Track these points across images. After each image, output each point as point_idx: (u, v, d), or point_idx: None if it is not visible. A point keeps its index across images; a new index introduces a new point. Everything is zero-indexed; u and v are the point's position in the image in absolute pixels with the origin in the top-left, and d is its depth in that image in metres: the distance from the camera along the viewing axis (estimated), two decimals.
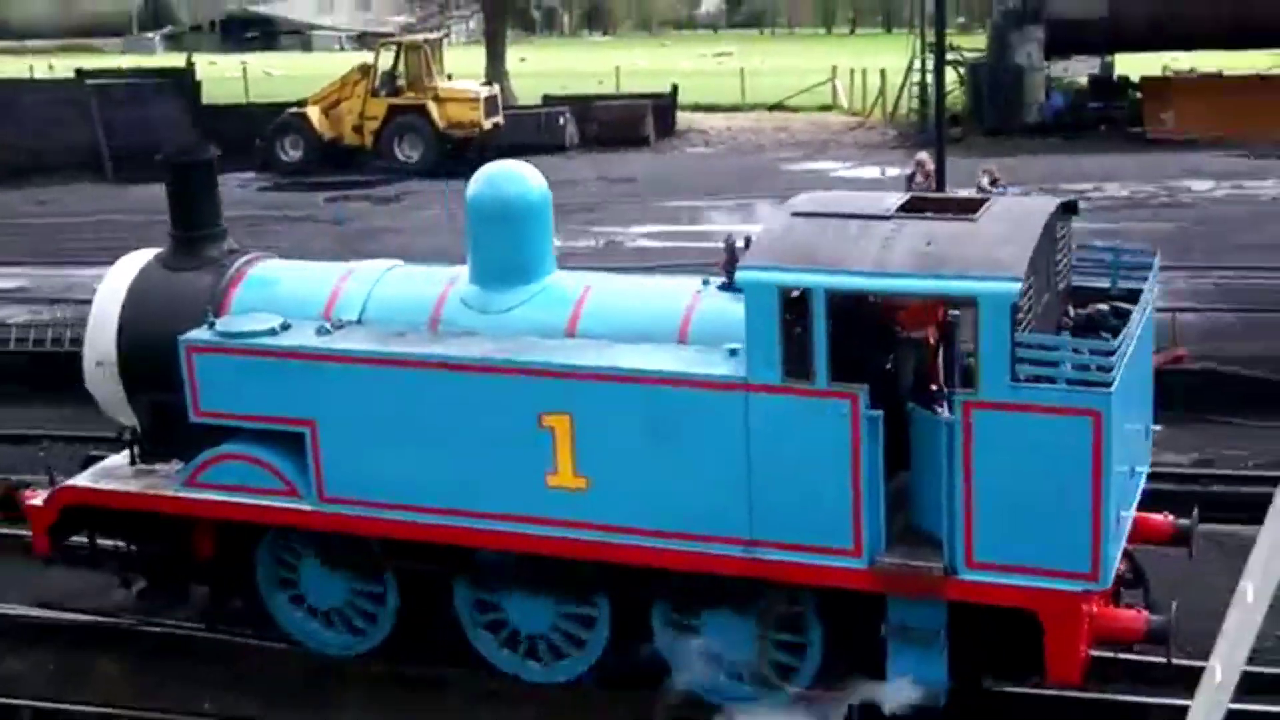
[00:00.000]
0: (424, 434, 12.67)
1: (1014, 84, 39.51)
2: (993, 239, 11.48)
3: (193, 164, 14.45)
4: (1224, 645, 7.60)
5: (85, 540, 14.31)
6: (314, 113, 40.78)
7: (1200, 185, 30.54)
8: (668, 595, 12.57)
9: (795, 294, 11.42)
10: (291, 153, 40.87)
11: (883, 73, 47.77)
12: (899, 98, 45.35)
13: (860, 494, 11.45)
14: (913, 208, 12.05)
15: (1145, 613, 11.88)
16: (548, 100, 47.04)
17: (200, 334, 13.08)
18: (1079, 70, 42.82)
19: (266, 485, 13.23)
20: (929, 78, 30.11)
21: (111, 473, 14.03)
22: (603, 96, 48.43)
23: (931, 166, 22.03)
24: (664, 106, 46.56)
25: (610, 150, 41.69)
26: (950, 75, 34.50)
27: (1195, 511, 12.62)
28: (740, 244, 12.53)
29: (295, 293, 13.79)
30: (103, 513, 13.81)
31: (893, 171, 30.33)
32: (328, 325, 13.07)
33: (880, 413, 11.28)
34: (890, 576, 11.49)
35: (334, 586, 13.72)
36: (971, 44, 46.75)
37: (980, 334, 11.03)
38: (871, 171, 35.72)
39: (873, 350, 11.83)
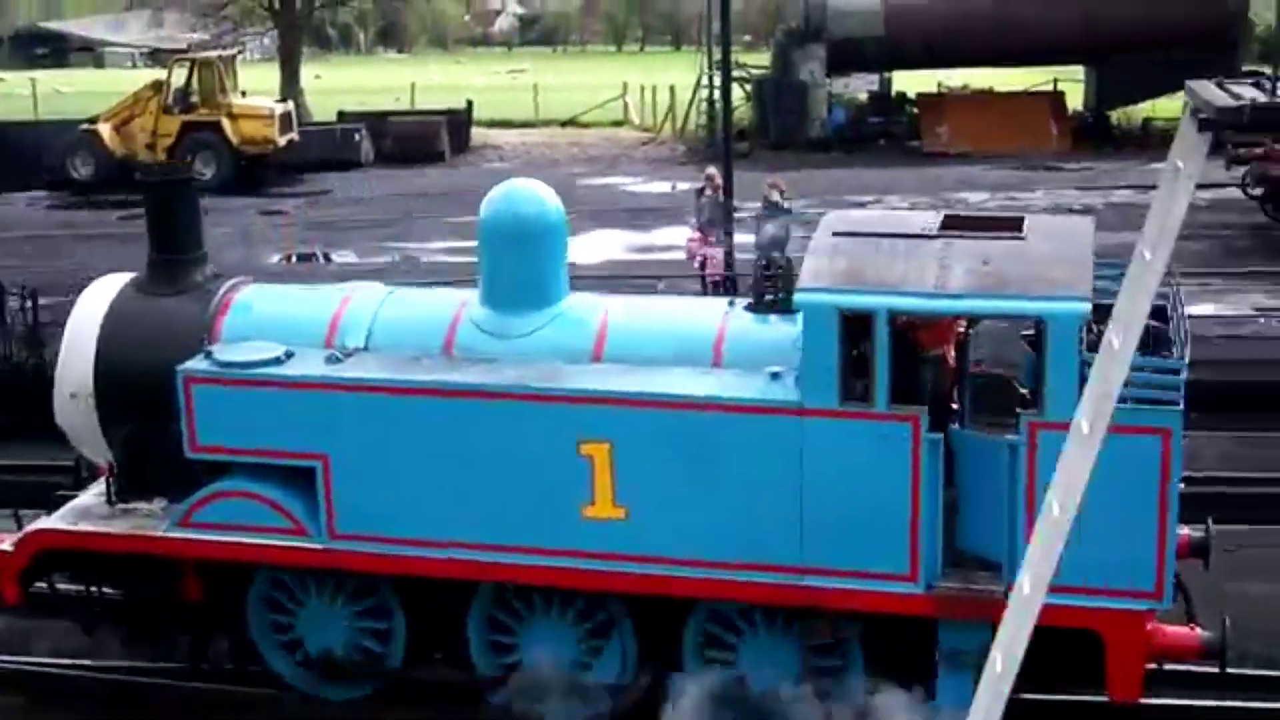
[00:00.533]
0: (449, 466, 12.07)
1: (798, 100, 40.63)
2: (1048, 258, 11.47)
3: (173, 184, 13.69)
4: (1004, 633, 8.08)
5: (45, 586, 13.43)
6: (106, 130, 40.33)
7: (975, 196, 31.88)
8: (699, 625, 12.23)
9: (853, 317, 11.15)
10: (83, 170, 40.33)
11: (672, 89, 48.83)
12: (688, 113, 46.16)
13: (918, 518, 11.27)
14: (953, 225, 11.98)
15: (1198, 629, 11.88)
16: (343, 116, 47.31)
17: (198, 364, 12.35)
18: (859, 87, 44.04)
19: (269, 523, 12.46)
20: (716, 94, 30.68)
21: (88, 512, 13.11)
22: (398, 113, 49.14)
23: (720, 180, 22.49)
24: (459, 122, 47.37)
25: (406, 166, 42.05)
26: (736, 92, 35.45)
27: (1209, 522, 12.47)
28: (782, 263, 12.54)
29: (291, 319, 13.02)
30: (78, 555, 13.02)
31: (683, 185, 30.93)
32: (336, 353, 12.45)
33: (940, 436, 11.15)
34: (949, 601, 11.34)
35: (336, 627, 12.99)
36: (756, 61, 47.99)
37: (1048, 354, 10.88)
38: (662, 186, 36.44)
39: (900, 371, 11.36)
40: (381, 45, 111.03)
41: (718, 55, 24.27)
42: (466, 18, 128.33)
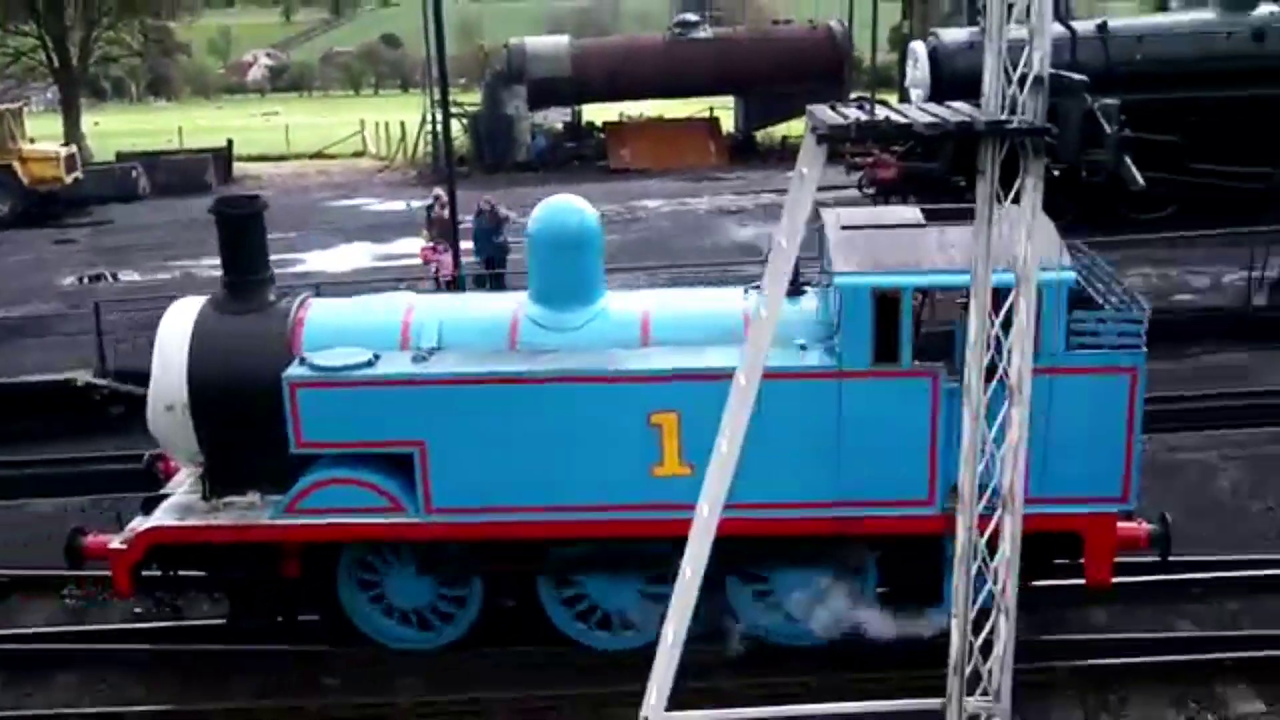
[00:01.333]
0: (533, 442, 11.92)
1: (506, 130, 41.42)
2: (1041, 239, 11.34)
3: (245, 216, 13.06)
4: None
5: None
6: None
7: (652, 204, 32.43)
8: (742, 564, 12.41)
9: (884, 294, 11.53)
10: None
11: (402, 125, 50.00)
12: (416, 144, 45.95)
13: (936, 453, 11.72)
14: (934, 216, 12.46)
15: (1145, 524, 12.57)
16: (121, 157, 47.76)
17: (300, 370, 12.04)
18: (556, 118, 44.38)
19: (369, 504, 12.17)
20: (438, 128, 30.61)
21: (189, 509, 12.70)
22: (169, 152, 50.10)
23: (446, 198, 22.50)
24: (222, 158, 47.66)
25: (178, 197, 41.19)
26: (455, 125, 35.37)
27: (1167, 517, 12.85)
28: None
29: (364, 327, 12.69)
30: (181, 548, 12.47)
31: (416, 203, 30.82)
32: (420, 354, 12.19)
33: (958, 384, 10.93)
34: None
35: (421, 590, 12.83)
36: (471, 99, 48.14)
37: (1041, 314, 10.77)
38: (398, 205, 36.28)
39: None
40: (151, 95, 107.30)
41: (438, 96, 24.12)
42: (223, 69, 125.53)
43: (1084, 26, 29.41)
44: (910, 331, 11.49)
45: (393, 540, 12.49)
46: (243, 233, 12.93)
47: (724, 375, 10.88)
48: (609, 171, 40.70)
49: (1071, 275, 11.66)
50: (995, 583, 9.24)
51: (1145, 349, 11.46)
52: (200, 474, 12.86)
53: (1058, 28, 27.33)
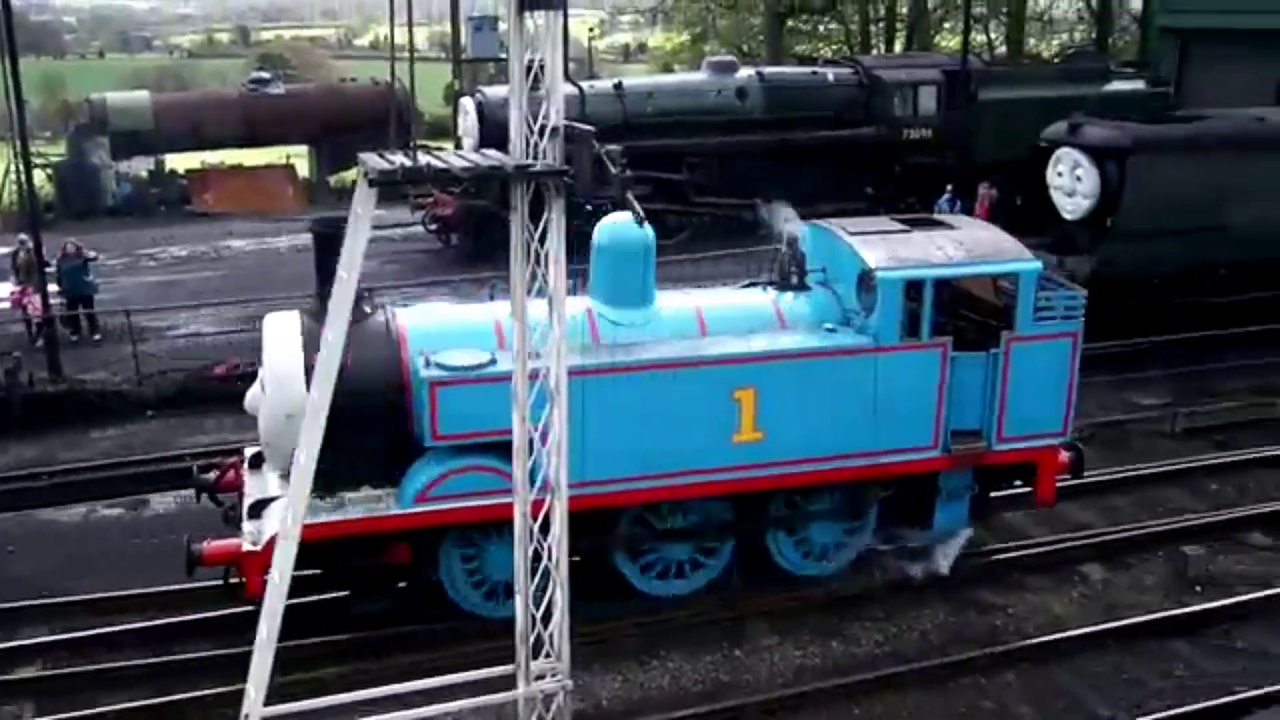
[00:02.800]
0: (635, 420, 12.27)
1: (92, 178, 38.58)
2: (989, 238, 13.73)
3: (340, 234, 10.94)
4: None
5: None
6: None
7: (237, 243, 31.43)
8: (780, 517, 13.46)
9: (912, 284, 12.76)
10: None
11: None
12: (2, 193, 42.13)
13: (942, 407, 13.09)
14: (909, 224, 13.89)
15: (1065, 452, 14.16)
16: None
17: (436, 371, 11.89)
18: (141, 165, 41.78)
19: (493, 486, 11.82)
20: (23, 177, 28.38)
21: (311, 507, 11.66)
22: None
23: (31, 243, 20.89)
24: None
25: None
26: (40, 174, 32.73)
27: (1080, 447, 14.54)
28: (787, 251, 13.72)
29: (462, 331, 12.61)
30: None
31: (2, 250, 28.24)
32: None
33: (961, 353, 13.06)
34: (958, 456, 13.32)
35: (501, 567, 12.42)
36: (56, 150, 44.30)
37: (1020, 294, 12.96)
38: None
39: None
40: None
41: (19, 148, 22.39)
42: None
43: (602, 84, 30.67)
44: (931, 312, 12.83)
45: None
46: (338, 250, 11.88)
47: (789, 355, 12.61)
48: (194, 215, 38.96)
49: (1040, 264, 13.30)
50: (550, 559, 9.43)
51: (1082, 320, 13.39)
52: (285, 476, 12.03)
53: (569, 87, 28.32)
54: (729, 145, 28.92)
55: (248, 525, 12.09)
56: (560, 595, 9.36)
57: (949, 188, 25.92)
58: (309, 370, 11.46)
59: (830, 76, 31.10)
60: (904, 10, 51.38)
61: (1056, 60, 46.02)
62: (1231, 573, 14.49)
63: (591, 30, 75.11)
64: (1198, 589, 14.13)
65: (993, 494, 14.34)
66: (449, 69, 43.09)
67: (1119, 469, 17.23)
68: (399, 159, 7.80)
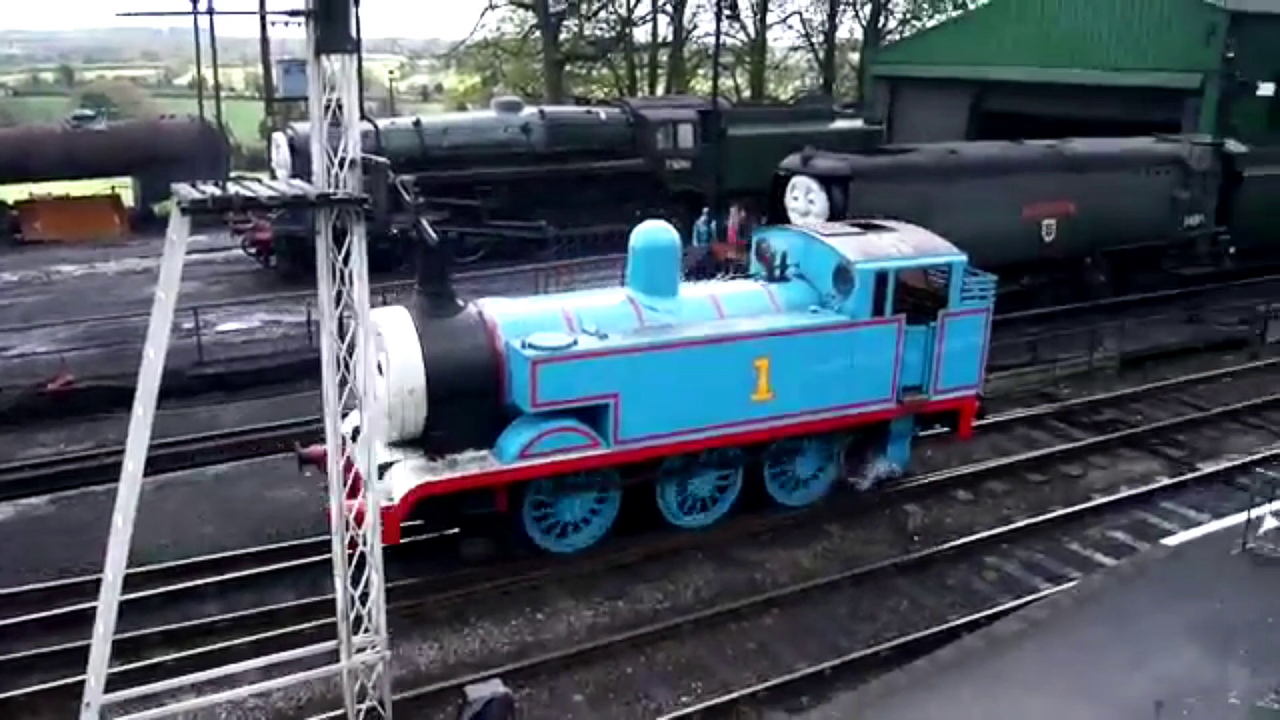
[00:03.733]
0: (682, 385, 13.27)
1: None
2: (924, 238, 15.17)
3: (442, 247, 13.52)
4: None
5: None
6: None
7: (66, 269, 29.63)
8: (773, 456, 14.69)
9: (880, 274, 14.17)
10: None
11: None
12: None
13: (898, 368, 14.64)
14: (859, 228, 15.33)
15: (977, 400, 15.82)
16: None
17: (535, 352, 12.62)
18: None
19: (577, 444, 13.00)
20: None
21: (428, 468, 12.65)
22: None
23: None
24: None
25: None
26: None
27: (981, 395, 15.86)
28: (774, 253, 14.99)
29: (538, 320, 13.40)
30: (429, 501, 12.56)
31: None
32: (598, 333, 13.15)
33: (910, 326, 14.57)
34: (906, 405, 14.92)
35: (583, 507, 13.72)
36: None
37: (953, 281, 14.76)
38: None
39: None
40: None
41: None
42: None
43: (403, 121, 30.14)
44: (892, 295, 14.28)
45: (596, 467, 13.34)
46: (439, 258, 13.32)
47: (794, 331, 13.93)
48: (23, 243, 36.38)
49: (965, 257, 14.87)
50: (366, 545, 9.18)
51: (992, 299, 15.19)
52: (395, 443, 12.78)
53: (366, 124, 27.80)
54: (516, 174, 28.82)
55: (382, 483, 12.26)
56: (376, 577, 9.14)
57: (705, 210, 26.43)
58: (427, 355, 12.59)
59: (602, 115, 31.36)
60: (664, 59, 52.28)
61: (791, 102, 47.60)
62: (942, 524, 15.24)
63: (392, 73, 73.75)
64: (916, 539, 14.77)
65: (922, 433, 16.35)
66: (264, 106, 41.62)
67: None
68: (210, 189, 7.46)
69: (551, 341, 12.83)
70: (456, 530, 13.57)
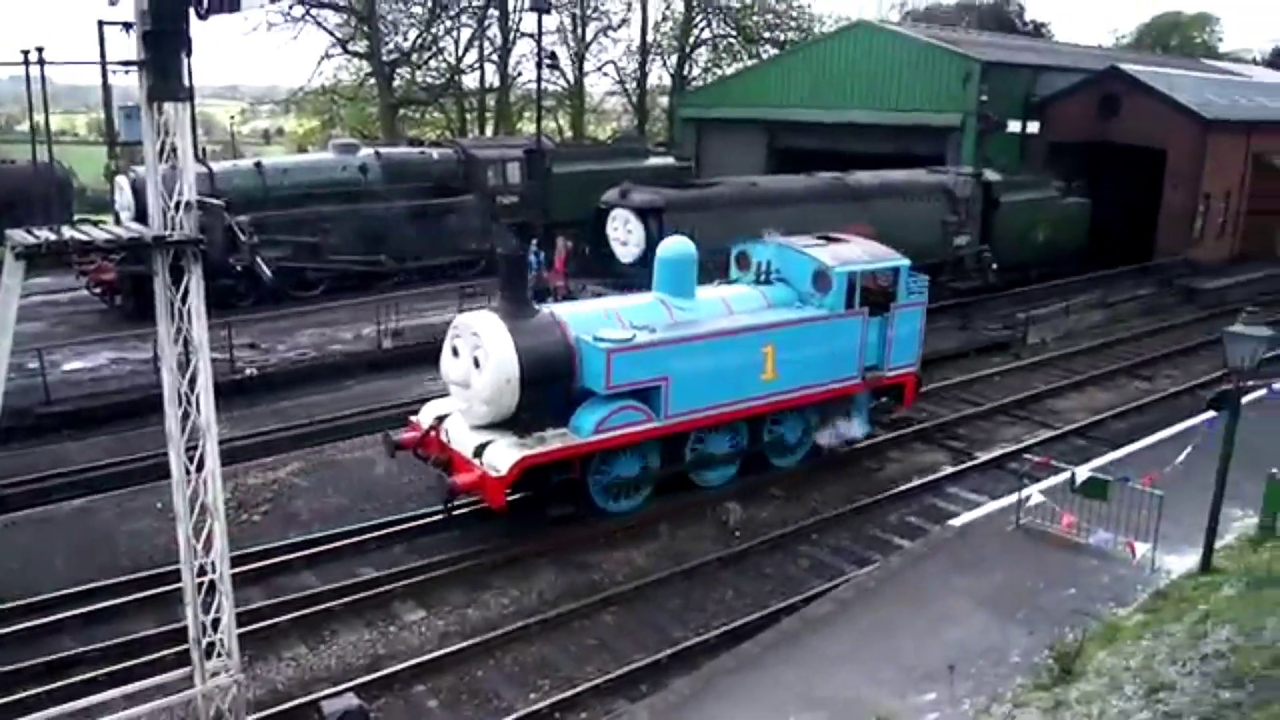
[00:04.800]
0: (713, 369, 14.73)
1: None
2: (875, 247, 17.19)
3: (520, 256, 14.79)
4: None
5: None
6: None
7: None
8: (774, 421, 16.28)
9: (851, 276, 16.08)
10: None
11: None
12: None
13: (863, 351, 16.55)
14: (825, 239, 17.08)
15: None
16: None
17: (608, 344, 13.83)
18: None
19: (638, 419, 14.26)
20: None
21: (519, 444, 13.68)
22: None
23: None
24: None
25: None
26: None
27: (917, 374, 18.02)
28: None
29: (595, 319, 14.53)
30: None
31: None
32: (647, 328, 14.41)
33: (871, 318, 16.41)
34: (868, 381, 16.87)
35: (632, 473, 14.81)
36: None
37: (898, 280, 16.83)
38: None
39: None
40: None
41: None
42: None
43: (245, 163, 28.88)
44: (859, 293, 16.25)
45: (651, 438, 14.64)
46: (518, 267, 14.46)
47: (793, 322, 15.63)
48: None
49: (908, 261, 16.99)
50: (215, 572, 8.66)
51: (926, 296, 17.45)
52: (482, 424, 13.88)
53: (200, 167, 26.65)
54: (355, 211, 27.92)
55: (487, 457, 13.57)
56: (226, 603, 8.63)
57: (534, 241, 26.25)
58: (520, 349, 13.72)
59: (435, 155, 30.77)
60: (492, 103, 51.94)
61: (610, 142, 47.96)
62: (759, 519, 15.44)
63: (234, 117, 70.99)
64: (737, 534, 14.93)
65: (877, 403, 17.96)
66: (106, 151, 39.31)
67: None
68: (44, 234, 6.90)
69: (616, 335, 14.31)
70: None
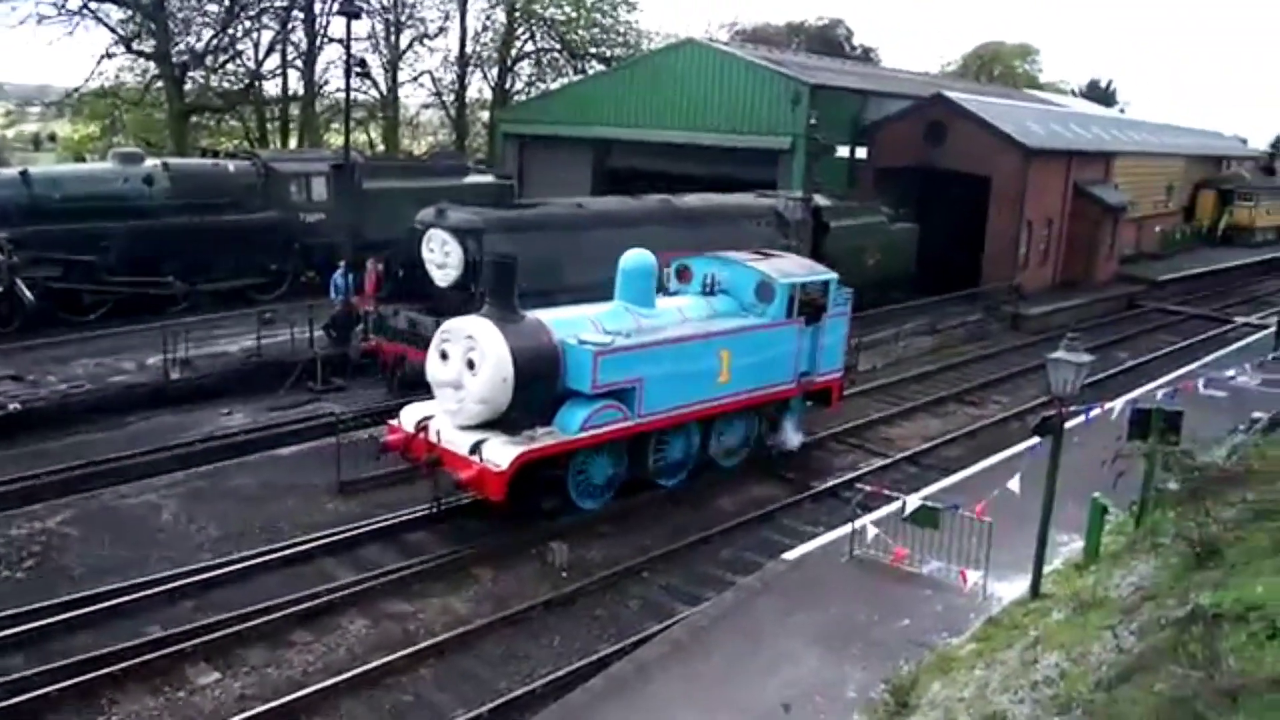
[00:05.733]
0: (679, 371, 16.68)
1: None
2: (806, 263, 20.17)
3: (508, 263, 15.75)
4: None
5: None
6: None
7: None
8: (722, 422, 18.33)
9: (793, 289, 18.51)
10: None
11: None
12: None
13: (799, 357, 18.90)
14: (762, 254, 19.52)
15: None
16: None
17: (592, 347, 15.56)
18: None
19: (616, 418, 16.03)
20: None
21: (511, 440, 15.10)
22: None
23: None
24: None
25: None
26: None
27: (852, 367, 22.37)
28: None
29: (576, 324, 16.10)
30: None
31: None
32: (621, 334, 16.23)
33: (811, 326, 18.93)
34: (802, 385, 19.23)
35: (601, 472, 16.55)
36: None
37: (829, 292, 19.25)
38: None
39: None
40: None
41: None
42: None
43: (8, 172, 27.06)
44: (798, 303, 18.61)
45: (624, 436, 16.35)
46: (507, 273, 15.62)
47: (746, 329, 17.86)
48: None
49: (835, 275, 19.58)
50: None
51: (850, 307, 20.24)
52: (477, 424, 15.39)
53: None
54: (138, 229, 26.48)
55: (486, 454, 14.94)
56: None
57: (342, 263, 25.64)
58: (514, 351, 15.15)
59: (231, 167, 29.60)
60: (296, 113, 50.56)
61: (426, 158, 47.40)
62: (586, 559, 15.48)
63: None
64: (564, 575, 14.92)
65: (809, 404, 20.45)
66: None
67: None
68: None
69: (598, 338, 15.89)
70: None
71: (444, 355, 15.67)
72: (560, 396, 15.93)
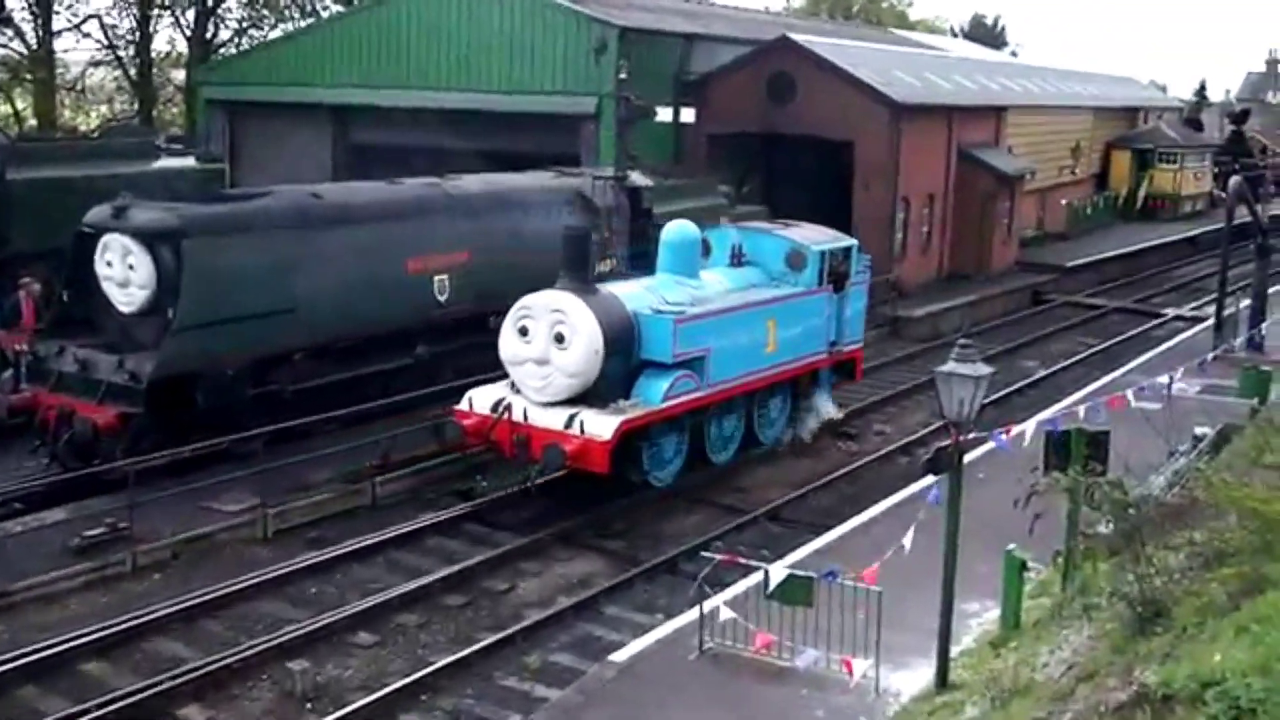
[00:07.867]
0: (739, 341, 21.60)
1: None
2: (827, 231, 25.07)
3: (584, 234, 20.75)
4: None
5: None
6: None
7: None
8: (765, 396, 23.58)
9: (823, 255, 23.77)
10: None
11: None
12: None
13: (829, 328, 24.11)
14: (783, 224, 25.20)
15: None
16: None
17: (672, 315, 20.28)
18: None
19: (690, 388, 20.65)
20: None
21: (604, 412, 19.38)
22: None
23: None
24: None
25: None
26: None
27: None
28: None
29: (639, 295, 20.77)
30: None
31: None
32: (685, 305, 20.88)
33: (836, 295, 24.02)
34: (832, 355, 24.53)
35: (672, 444, 21.11)
36: None
37: (852, 260, 24.65)
38: None
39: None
40: None
41: None
42: None
43: None
44: (828, 271, 23.55)
45: (697, 407, 21.01)
46: (583, 243, 20.41)
47: (788, 297, 22.78)
48: None
49: (855, 240, 25.44)
50: None
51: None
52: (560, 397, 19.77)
53: None
54: None
55: (588, 427, 18.98)
56: None
57: None
58: (602, 325, 19.40)
59: None
60: None
61: (97, 135, 45.58)
62: (341, 680, 14.83)
63: None
64: (309, 705, 14.21)
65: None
66: None
67: (210, 588, 16.72)
68: None
69: (672, 307, 20.56)
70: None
71: (523, 331, 19.88)
72: (635, 368, 20.34)
